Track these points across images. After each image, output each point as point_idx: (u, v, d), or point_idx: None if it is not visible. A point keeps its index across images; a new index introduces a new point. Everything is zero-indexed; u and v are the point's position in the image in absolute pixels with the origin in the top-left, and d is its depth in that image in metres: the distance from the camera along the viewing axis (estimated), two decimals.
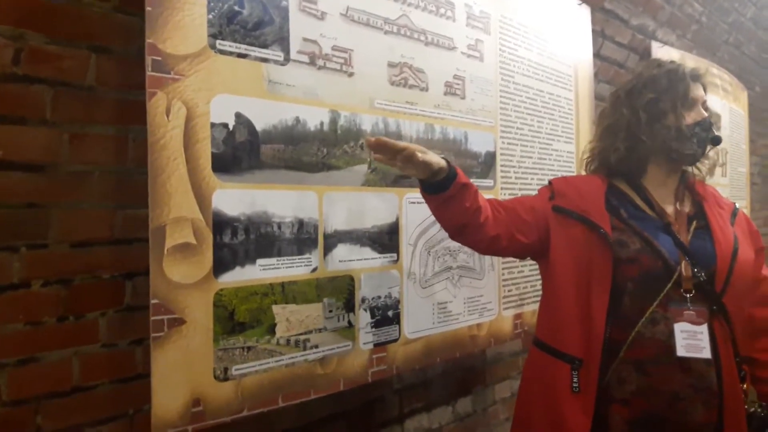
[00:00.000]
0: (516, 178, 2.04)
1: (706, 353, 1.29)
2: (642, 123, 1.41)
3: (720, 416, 1.30)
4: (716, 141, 1.39)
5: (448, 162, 1.30)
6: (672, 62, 1.46)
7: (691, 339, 1.29)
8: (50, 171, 1.21)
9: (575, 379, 1.34)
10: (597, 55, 2.72)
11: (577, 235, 1.39)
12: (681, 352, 1.28)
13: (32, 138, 1.19)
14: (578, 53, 2.41)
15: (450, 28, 1.77)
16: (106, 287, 1.29)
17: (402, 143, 1.23)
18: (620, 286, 1.33)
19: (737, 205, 1.49)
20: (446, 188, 1.29)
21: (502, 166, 1.97)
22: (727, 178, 3.66)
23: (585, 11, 2.49)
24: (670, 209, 1.41)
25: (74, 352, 1.25)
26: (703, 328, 1.29)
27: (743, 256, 1.35)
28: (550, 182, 1.52)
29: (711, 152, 1.46)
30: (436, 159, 1.26)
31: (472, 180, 1.81)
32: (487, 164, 1.91)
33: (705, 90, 1.45)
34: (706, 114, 1.39)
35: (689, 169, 1.47)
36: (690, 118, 1.38)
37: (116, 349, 1.30)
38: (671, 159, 1.41)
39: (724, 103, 3.63)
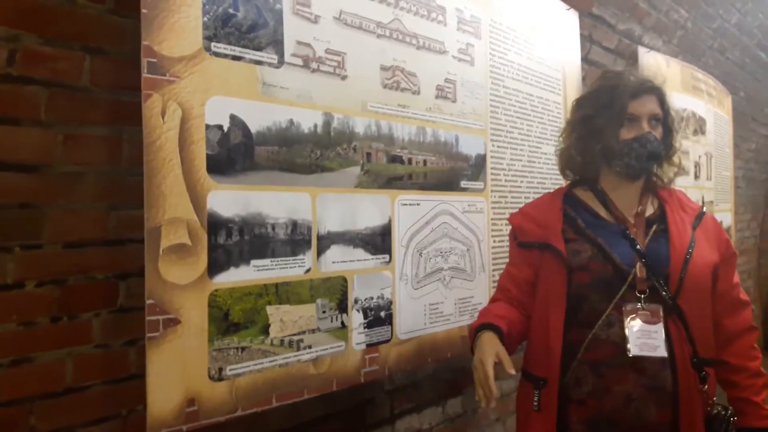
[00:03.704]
0: (506, 180, 2.06)
1: (661, 351, 1.32)
2: (578, 138, 1.48)
3: (676, 416, 1.32)
4: (654, 155, 1.41)
5: (489, 327, 1.36)
6: (619, 75, 1.48)
7: (646, 338, 1.32)
8: (44, 171, 1.21)
9: (536, 399, 1.39)
10: (585, 59, 2.76)
11: (543, 262, 1.44)
12: (635, 351, 1.32)
13: (26, 138, 1.19)
14: (566, 57, 2.45)
15: (441, 33, 1.79)
16: (99, 288, 1.29)
17: (491, 378, 1.23)
18: (577, 294, 1.38)
19: (705, 208, 1.52)
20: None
21: (492, 168, 1.99)
22: (712, 182, 3.72)
23: (573, 16, 2.52)
24: (631, 213, 1.44)
25: (68, 352, 1.24)
26: (658, 327, 1.33)
27: (698, 259, 1.37)
28: (509, 221, 1.57)
29: (674, 159, 1.49)
30: (495, 351, 1.28)
31: (462, 183, 1.85)
32: (477, 167, 1.93)
33: (663, 99, 1.45)
34: (646, 129, 1.40)
35: (654, 174, 1.50)
36: (626, 133, 1.41)
37: (109, 349, 1.30)
38: (616, 171, 1.45)
39: (709, 108, 3.68)
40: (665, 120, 1.46)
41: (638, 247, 1.37)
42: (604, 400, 1.34)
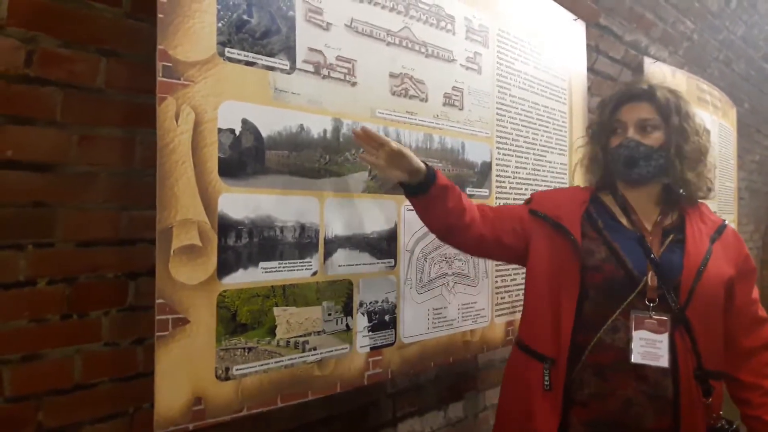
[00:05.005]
0: (511, 188, 2.08)
1: (664, 362, 1.33)
2: (586, 147, 1.57)
3: (676, 425, 1.33)
4: (630, 161, 1.41)
5: (427, 165, 1.37)
6: (622, 85, 1.54)
7: (650, 347, 1.33)
8: (58, 171, 1.24)
9: (547, 378, 1.40)
10: (591, 69, 2.78)
11: (552, 241, 1.46)
12: (636, 359, 1.33)
13: (41, 138, 1.21)
14: (573, 67, 2.46)
15: (450, 41, 1.81)
16: (109, 286, 1.31)
17: (384, 137, 1.34)
18: (585, 293, 1.39)
19: (726, 222, 1.49)
20: (427, 189, 1.37)
21: (497, 176, 2.01)
22: (715, 193, 3.72)
23: (580, 27, 2.54)
24: (650, 221, 1.45)
25: (77, 350, 1.26)
26: (663, 337, 1.33)
27: (712, 272, 1.36)
28: (532, 196, 1.60)
29: (698, 167, 1.44)
30: (414, 157, 1.35)
31: (467, 190, 1.87)
32: (483, 174, 1.95)
33: (660, 105, 1.43)
34: (630, 135, 1.42)
35: (672, 185, 1.45)
36: (615, 141, 1.46)
37: (118, 347, 1.32)
38: (621, 179, 1.48)
39: (714, 119, 3.70)
40: (673, 126, 1.42)
41: (652, 255, 1.38)
42: (606, 404, 1.35)
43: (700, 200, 1.50)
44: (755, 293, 1.49)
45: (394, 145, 1.32)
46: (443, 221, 1.43)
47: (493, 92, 2.00)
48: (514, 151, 2.10)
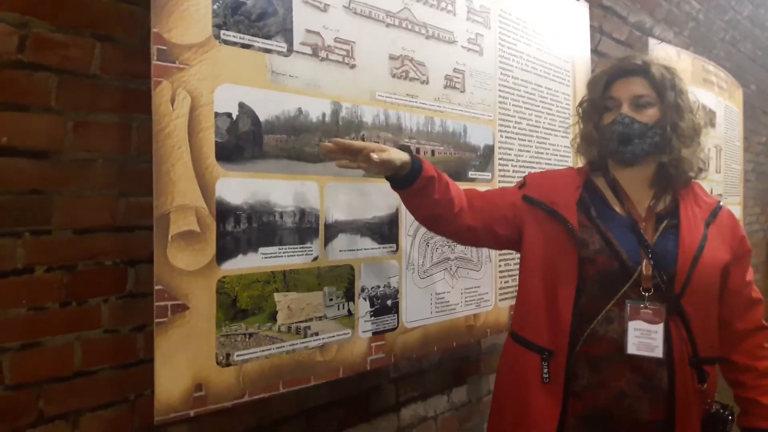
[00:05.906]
0: (513, 171, 2.06)
1: (658, 352, 1.30)
2: (580, 124, 1.51)
3: (671, 414, 1.31)
4: (624, 138, 1.37)
5: (412, 155, 1.33)
6: (615, 61, 1.47)
7: (644, 338, 1.30)
8: (54, 158, 1.22)
9: (545, 370, 1.37)
10: (594, 51, 2.74)
11: (546, 229, 1.41)
12: (631, 349, 1.30)
13: (36, 125, 1.20)
14: (576, 49, 2.43)
15: (450, 22, 1.78)
16: (108, 274, 1.30)
17: (359, 143, 1.28)
18: (580, 284, 1.35)
19: (721, 203, 1.45)
20: (412, 183, 1.32)
21: (500, 159, 1.99)
22: (721, 175, 3.69)
23: (583, 7, 2.50)
24: (643, 207, 1.40)
25: (76, 337, 1.26)
26: (658, 328, 1.30)
27: (708, 258, 1.33)
28: (525, 177, 1.55)
29: (692, 144, 1.39)
30: (396, 155, 1.29)
31: (470, 173, 1.85)
32: (485, 157, 1.92)
33: (655, 80, 1.38)
34: (624, 111, 1.37)
35: (666, 164, 1.40)
36: (608, 118, 1.40)
37: (118, 334, 1.32)
38: (613, 159, 1.43)
39: (720, 101, 3.65)
40: (668, 102, 1.37)
41: (646, 243, 1.34)
42: (598, 395, 1.33)
43: (693, 180, 1.45)
44: (749, 275, 1.46)
45: (375, 156, 1.25)
46: (428, 212, 1.39)
47: (496, 74, 1.97)
48: (516, 133, 2.08)
